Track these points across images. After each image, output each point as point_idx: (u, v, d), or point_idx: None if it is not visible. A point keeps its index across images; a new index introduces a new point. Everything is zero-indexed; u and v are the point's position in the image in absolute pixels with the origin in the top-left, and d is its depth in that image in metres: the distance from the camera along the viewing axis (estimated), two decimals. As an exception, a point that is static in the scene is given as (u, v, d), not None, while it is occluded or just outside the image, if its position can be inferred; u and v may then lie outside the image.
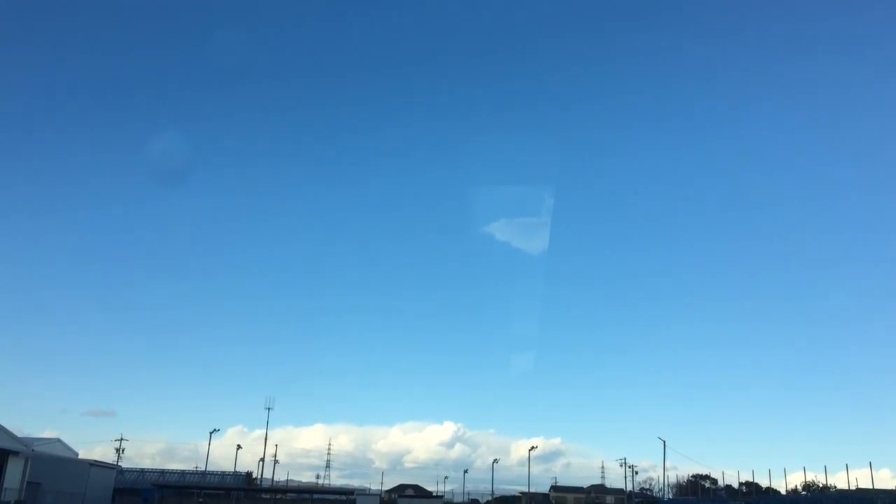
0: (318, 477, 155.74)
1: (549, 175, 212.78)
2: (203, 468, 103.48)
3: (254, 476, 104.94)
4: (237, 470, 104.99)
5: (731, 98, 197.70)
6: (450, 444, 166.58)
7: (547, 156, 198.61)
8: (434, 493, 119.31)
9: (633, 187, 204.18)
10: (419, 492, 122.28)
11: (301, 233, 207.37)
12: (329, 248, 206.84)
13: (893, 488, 78.24)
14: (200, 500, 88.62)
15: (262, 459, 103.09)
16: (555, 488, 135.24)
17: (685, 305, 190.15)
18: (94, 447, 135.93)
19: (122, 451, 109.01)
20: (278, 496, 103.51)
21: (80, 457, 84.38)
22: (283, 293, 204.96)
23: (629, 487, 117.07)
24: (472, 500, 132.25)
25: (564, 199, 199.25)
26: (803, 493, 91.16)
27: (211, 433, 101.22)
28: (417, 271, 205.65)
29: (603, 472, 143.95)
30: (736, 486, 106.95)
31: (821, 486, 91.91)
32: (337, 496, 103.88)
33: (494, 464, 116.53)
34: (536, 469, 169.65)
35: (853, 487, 79.87)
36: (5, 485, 54.66)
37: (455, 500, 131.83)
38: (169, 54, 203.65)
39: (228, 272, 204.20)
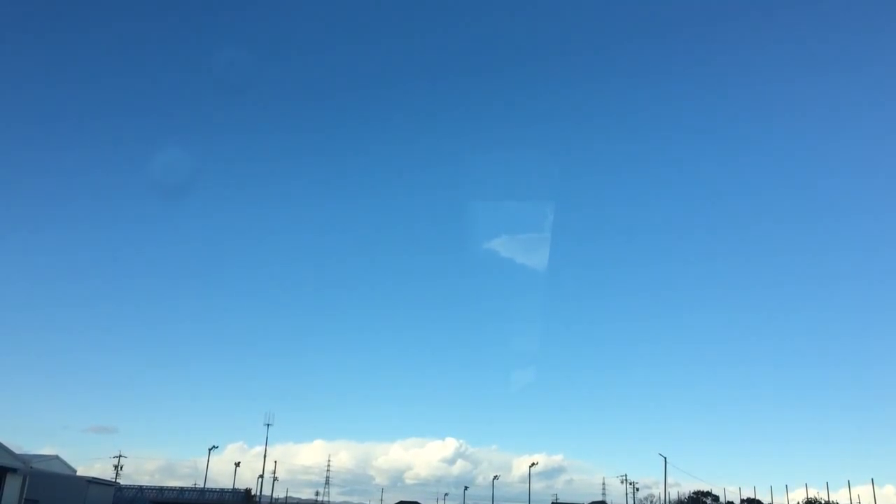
0: (317, 494, 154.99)
1: (550, 190, 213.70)
2: (202, 485, 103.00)
3: (253, 493, 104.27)
4: (236, 487, 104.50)
5: (732, 112, 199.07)
6: (451, 461, 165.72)
7: (547, 171, 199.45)
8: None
9: (633, 202, 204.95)
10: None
11: (302, 248, 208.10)
12: (330, 264, 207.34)
13: (896, 505, 77.83)
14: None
15: (262, 476, 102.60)
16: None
17: (686, 320, 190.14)
18: (93, 464, 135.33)
19: (121, 467, 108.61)
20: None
21: (79, 473, 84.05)
22: (284, 309, 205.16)
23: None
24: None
25: (564, 214, 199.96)
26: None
27: (210, 450, 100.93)
28: (418, 287, 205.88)
29: (604, 489, 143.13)
30: (738, 502, 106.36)
31: (823, 502, 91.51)
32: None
33: (495, 480, 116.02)
34: (538, 486, 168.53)
35: (855, 504, 79.45)
36: (3, 503, 54.46)
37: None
38: (171, 71, 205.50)
39: (229, 288, 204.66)
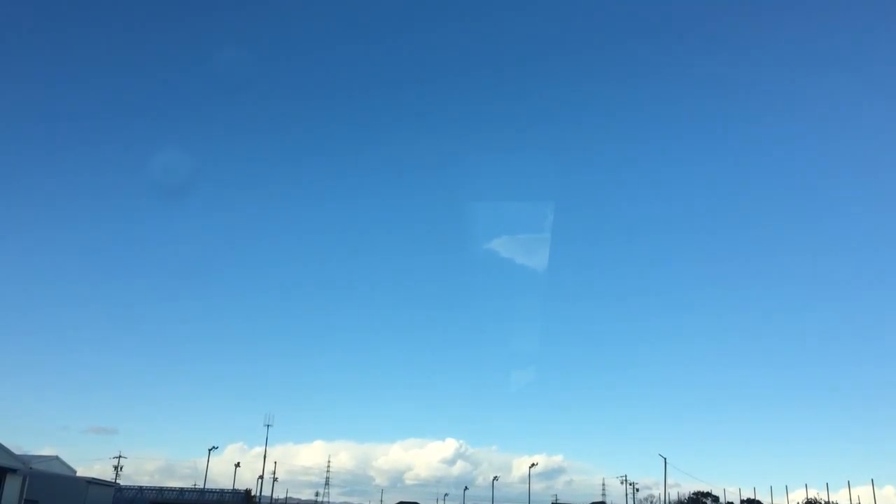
0: (317, 494, 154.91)
1: (550, 191, 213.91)
2: (202, 485, 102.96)
3: (253, 493, 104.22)
4: (236, 487, 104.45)
5: (730, 113, 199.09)
6: (451, 462, 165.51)
7: (547, 171, 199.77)
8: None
9: (633, 202, 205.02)
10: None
11: (301, 249, 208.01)
12: (330, 265, 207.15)
13: (895, 505, 77.88)
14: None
15: (262, 476, 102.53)
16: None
17: (686, 320, 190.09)
18: (93, 464, 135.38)
19: (121, 468, 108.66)
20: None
21: (79, 474, 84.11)
22: (283, 310, 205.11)
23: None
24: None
25: (564, 214, 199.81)
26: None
27: (210, 450, 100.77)
28: (418, 287, 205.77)
29: (604, 490, 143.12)
30: (738, 502, 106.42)
31: (823, 502, 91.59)
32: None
33: (495, 481, 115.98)
34: (538, 486, 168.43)
35: (855, 504, 79.44)
36: (2, 503, 54.46)
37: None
38: (171, 71, 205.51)
39: (229, 288, 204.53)
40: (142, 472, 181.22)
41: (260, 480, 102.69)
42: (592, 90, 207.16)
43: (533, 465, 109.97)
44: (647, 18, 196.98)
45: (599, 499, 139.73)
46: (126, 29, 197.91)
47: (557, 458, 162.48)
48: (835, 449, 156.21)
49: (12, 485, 55.49)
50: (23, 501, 57.57)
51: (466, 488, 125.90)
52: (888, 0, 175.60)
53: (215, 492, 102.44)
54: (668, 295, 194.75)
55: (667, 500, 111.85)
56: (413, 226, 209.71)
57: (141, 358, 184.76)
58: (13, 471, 55.29)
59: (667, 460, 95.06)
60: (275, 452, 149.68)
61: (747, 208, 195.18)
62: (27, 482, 57.93)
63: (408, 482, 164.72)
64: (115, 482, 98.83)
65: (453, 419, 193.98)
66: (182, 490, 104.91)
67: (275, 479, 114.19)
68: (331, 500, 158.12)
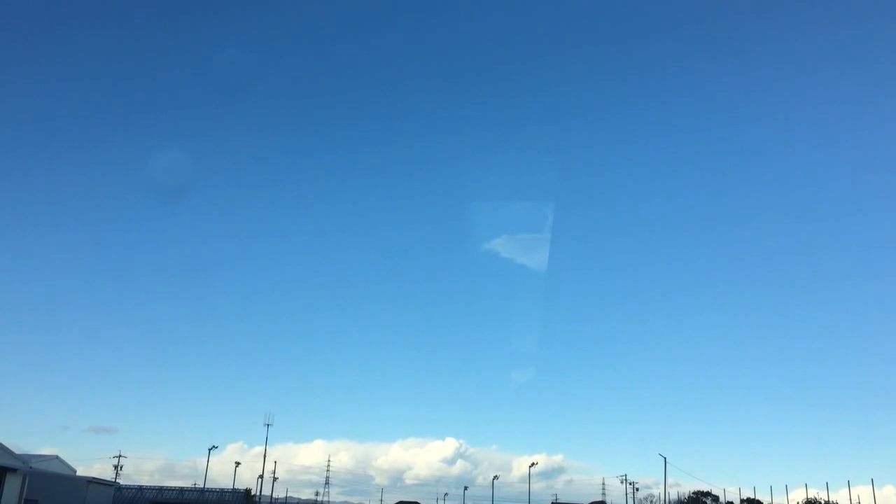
0: (317, 494, 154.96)
1: (550, 191, 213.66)
2: (202, 485, 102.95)
3: (253, 493, 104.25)
4: (236, 487, 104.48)
5: (731, 113, 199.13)
6: (451, 461, 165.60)
7: (547, 171, 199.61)
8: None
9: (633, 202, 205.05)
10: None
11: (301, 249, 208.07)
12: (329, 265, 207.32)
13: (895, 505, 77.90)
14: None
15: (262, 476, 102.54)
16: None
17: (686, 320, 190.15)
18: (93, 464, 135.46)
19: (121, 467, 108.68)
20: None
21: (79, 473, 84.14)
22: (283, 309, 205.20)
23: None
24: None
25: (564, 215, 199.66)
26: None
27: (210, 450, 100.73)
28: (419, 287, 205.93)
29: (604, 489, 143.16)
30: (738, 502, 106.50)
31: (823, 502, 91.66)
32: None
33: (495, 480, 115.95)
34: (538, 486, 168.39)
35: (855, 504, 79.48)
36: (2, 502, 54.47)
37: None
38: (171, 71, 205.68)
39: (229, 288, 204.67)
40: (142, 471, 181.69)
41: (260, 480, 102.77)
42: (592, 90, 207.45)
43: (533, 464, 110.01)
44: (647, 18, 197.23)
45: (599, 498, 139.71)
46: (126, 29, 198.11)
47: (557, 458, 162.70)
48: (835, 449, 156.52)
49: (12, 484, 55.50)
50: (23, 501, 57.59)
51: (466, 488, 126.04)
52: (888, 0, 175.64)
53: (215, 491, 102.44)
54: (668, 294, 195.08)
55: (667, 500, 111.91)
56: (413, 225, 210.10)
57: (141, 358, 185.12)
58: (13, 470, 55.30)
59: (667, 460, 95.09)
60: (275, 452, 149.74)
61: (747, 208, 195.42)
62: (27, 482, 57.95)
63: (408, 482, 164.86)
64: (115, 482, 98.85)
65: (453, 419, 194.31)
66: (182, 490, 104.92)
67: (275, 479, 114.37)
68: (331, 500, 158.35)
